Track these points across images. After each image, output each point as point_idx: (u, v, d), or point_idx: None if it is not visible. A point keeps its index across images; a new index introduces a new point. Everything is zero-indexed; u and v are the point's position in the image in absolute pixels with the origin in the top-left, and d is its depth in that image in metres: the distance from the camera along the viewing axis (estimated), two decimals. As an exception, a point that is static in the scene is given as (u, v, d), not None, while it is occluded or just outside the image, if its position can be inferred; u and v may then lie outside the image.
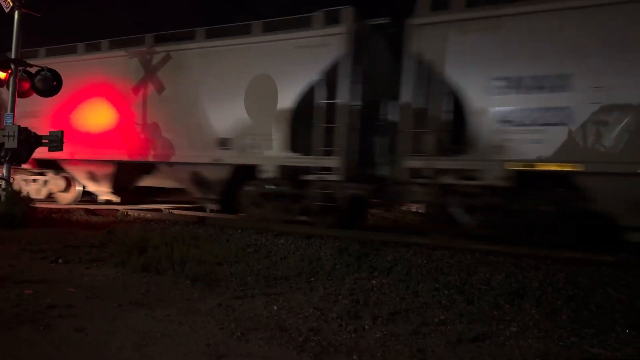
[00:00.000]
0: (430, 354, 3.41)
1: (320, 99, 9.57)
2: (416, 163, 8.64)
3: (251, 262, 5.99)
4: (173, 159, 11.29)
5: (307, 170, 9.68)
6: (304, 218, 9.83)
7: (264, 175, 10.09)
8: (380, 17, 9.68)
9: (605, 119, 7.30)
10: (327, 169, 9.47)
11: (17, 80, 9.94)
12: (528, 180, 7.88)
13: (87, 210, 10.76)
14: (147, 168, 12.12)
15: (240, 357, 3.27)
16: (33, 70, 10.15)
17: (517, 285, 5.17)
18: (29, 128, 9.68)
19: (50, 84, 10.16)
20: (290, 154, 9.86)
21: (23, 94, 10.22)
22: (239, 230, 8.48)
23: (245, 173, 10.34)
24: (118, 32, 12.36)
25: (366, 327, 3.89)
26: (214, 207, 11.25)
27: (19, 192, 9.53)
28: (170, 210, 11.64)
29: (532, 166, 7.75)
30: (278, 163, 9.94)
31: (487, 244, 7.36)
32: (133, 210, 11.03)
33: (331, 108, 9.49)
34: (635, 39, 7.18)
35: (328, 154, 9.49)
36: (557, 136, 7.61)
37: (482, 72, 8.15)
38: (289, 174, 9.87)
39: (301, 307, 4.33)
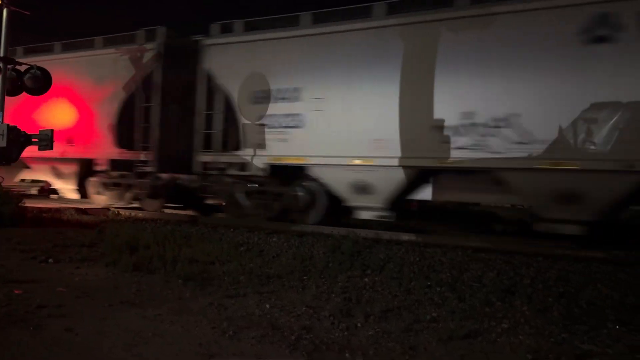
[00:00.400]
0: (422, 351, 3.41)
1: (140, 103, 11.36)
2: (206, 157, 10.60)
3: (243, 261, 5.97)
4: (36, 155, 12.12)
5: (132, 163, 11.50)
6: (135, 204, 11.79)
7: (99, 168, 12.11)
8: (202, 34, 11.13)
9: (324, 122, 9.35)
10: (145, 162, 11.28)
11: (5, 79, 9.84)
12: (287, 171, 9.81)
13: (78, 210, 10.68)
14: (26, 163, 13.36)
15: (232, 356, 3.25)
16: (22, 68, 10.05)
17: (509, 282, 5.19)
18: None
19: (39, 83, 10.06)
20: (118, 150, 11.69)
21: (12, 92, 10.12)
22: (231, 229, 8.45)
23: (90, 166, 12.27)
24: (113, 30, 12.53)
25: (358, 324, 3.89)
26: (73, 196, 12.98)
27: (9, 191, 9.45)
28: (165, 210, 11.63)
29: (280, 160, 9.79)
30: (109, 157, 11.84)
31: (479, 241, 7.41)
32: (124, 209, 11.00)
33: (148, 110, 11.25)
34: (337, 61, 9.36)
35: (145, 149, 11.23)
36: (294, 136, 9.65)
37: (247, 85, 10.21)
38: (122, 166, 11.76)
39: (294, 306, 4.32)
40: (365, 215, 9.21)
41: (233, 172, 10.28)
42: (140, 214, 10.45)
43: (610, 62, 7.31)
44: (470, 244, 7.26)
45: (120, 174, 11.91)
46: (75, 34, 12.65)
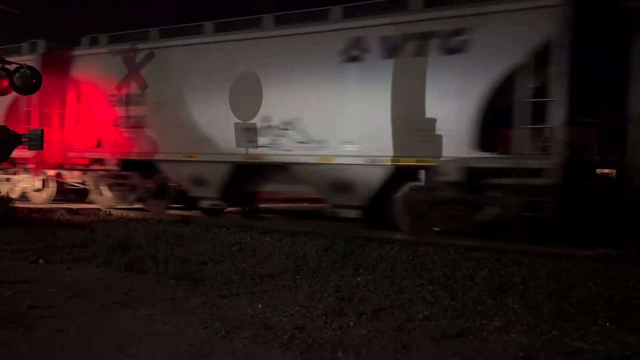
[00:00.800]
0: (415, 350, 3.42)
1: (23, 107, 12.33)
2: (74, 154, 11.99)
3: (236, 261, 5.96)
4: None
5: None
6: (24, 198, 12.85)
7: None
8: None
9: (162, 123, 10.73)
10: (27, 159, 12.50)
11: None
12: (141, 166, 11.10)
13: (69, 210, 10.62)
14: None
15: (224, 356, 3.25)
16: (12, 67, 9.95)
17: (500, 280, 5.22)
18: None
19: (29, 82, 9.97)
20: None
21: (1, 92, 10.02)
22: (224, 229, 8.43)
23: None
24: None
25: (351, 324, 3.90)
26: None
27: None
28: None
29: (130, 156, 11.12)
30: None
31: (471, 240, 7.44)
32: (116, 209, 10.96)
33: (28, 113, 12.30)
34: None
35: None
36: (140, 136, 10.99)
37: (103, 90, 11.48)
38: (15, 164, 12.86)
39: (286, 305, 4.32)
40: (203, 204, 10.61)
41: (95, 167, 11.76)
42: (132, 214, 10.41)
43: (360, 76, 8.86)
44: (462, 242, 7.29)
45: (13, 170, 13.07)
46: (75, 33, 12.62)
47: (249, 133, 9.80)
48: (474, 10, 8.09)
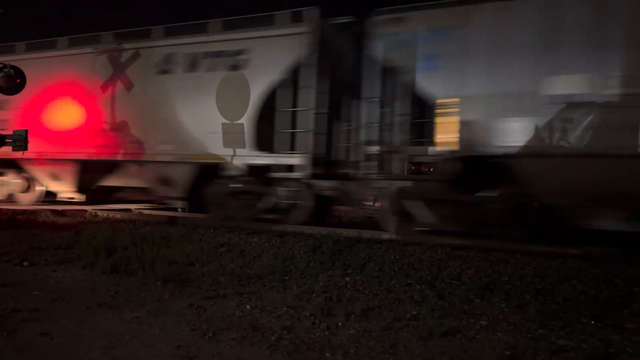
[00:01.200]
0: (403, 349, 3.43)
1: None
2: None
3: (224, 262, 5.93)
4: None
5: None
6: None
7: None
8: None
9: (24, 126, 11.21)
10: None
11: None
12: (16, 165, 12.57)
13: (54, 211, 10.49)
14: None
15: (211, 357, 3.23)
16: (-5, 67, 9.81)
17: (487, 279, 5.25)
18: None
19: (13, 82, 9.84)
20: None
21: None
22: (211, 230, 8.38)
23: None
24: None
25: (339, 324, 3.90)
26: None
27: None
28: (141, 210, 11.51)
29: (3, 156, 11.93)
30: None
31: (458, 239, 7.49)
32: (102, 210, 10.86)
33: None
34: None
35: None
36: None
37: None
38: None
39: (274, 306, 4.31)
40: (62, 196, 12.36)
41: None
42: (118, 215, 10.32)
43: (170, 87, 10.54)
44: (449, 241, 7.33)
45: None
46: (74, 33, 12.42)
47: (91, 134, 11.43)
48: (248, 34, 9.84)
